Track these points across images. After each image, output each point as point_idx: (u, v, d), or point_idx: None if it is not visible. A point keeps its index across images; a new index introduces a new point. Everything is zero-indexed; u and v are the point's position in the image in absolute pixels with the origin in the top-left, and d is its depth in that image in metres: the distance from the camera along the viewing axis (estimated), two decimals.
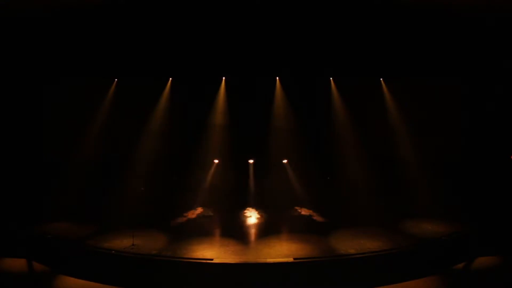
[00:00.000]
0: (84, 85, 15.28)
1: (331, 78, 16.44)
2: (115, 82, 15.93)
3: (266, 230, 13.32)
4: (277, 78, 16.63)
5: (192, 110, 16.39)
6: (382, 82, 16.07)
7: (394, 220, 13.77)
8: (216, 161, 16.79)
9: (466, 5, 11.95)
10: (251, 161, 16.94)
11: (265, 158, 16.73)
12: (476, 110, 15.14)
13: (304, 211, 15.44)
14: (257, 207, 16.14)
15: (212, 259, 10.34)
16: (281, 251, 11.15)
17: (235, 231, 13.08)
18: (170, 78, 16.27)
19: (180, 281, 9.97)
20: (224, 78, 16.54)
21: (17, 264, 11.10)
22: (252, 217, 15.01)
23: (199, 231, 13.08)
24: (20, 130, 14.87)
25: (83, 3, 12.20)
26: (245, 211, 15.63)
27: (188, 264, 10.24)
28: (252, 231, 13.34)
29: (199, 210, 15.31)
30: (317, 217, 14.70)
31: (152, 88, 16.13)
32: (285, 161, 16.92)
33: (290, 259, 10.35)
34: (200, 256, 10.60)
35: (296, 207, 15.97)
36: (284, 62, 15.08)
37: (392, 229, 12.88)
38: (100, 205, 15.27)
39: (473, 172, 15.51)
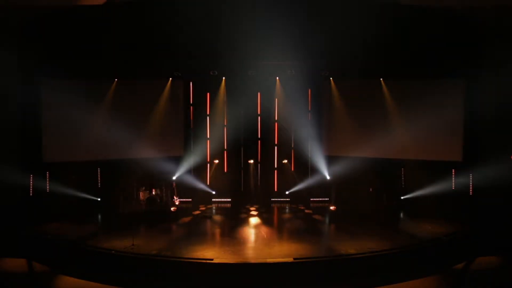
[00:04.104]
0: (84, 85, 15.30)
1: (331, 78, 16.44)
2: (115, 82, 15.90)
3: (266, 230, 13.31)
4: (277, 78, 16.63)
5: (192, 110, 16.36)
6: (382, 82, 16.06)
7: (394, 220, 13.77)
8: (216, 161, 16.80)
9: (467, 5, 11.95)
10: (251, 161, 16.94)
11: (265, 158, 16.69)
12: (476, 109, 15.12)
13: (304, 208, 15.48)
14: (256, 206, 16.16)
15: (212, 259, 10.32)
16: (281, 251, 11.12)
17: (235, 231, 13.08)
18: (170, 78, 16.27)
19: (180, 281, 9.97)
20: (224, 78, 16.55)
21: (17, 264, 11.08)
22: (251, 217, 15.01)
23: (199, 231, 13.08)
24: (20, 130, 14.83)
25: (83, 2, 12.19)
26: (245, 211, 15.64)
27: (188, 264, 10.22)
28: (252, 231, 13.32)
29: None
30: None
31: (152, 88, 16.13)
32: (285, 161, 16.92)
33: (290, 259, 10.32)
34: (200, 256, 10.58)
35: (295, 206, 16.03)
36: (284, 62, 15.07)
37: (392, 229, 12.88)
38: (100, 205, 15.29)
39: (473, 172, 15.50)
